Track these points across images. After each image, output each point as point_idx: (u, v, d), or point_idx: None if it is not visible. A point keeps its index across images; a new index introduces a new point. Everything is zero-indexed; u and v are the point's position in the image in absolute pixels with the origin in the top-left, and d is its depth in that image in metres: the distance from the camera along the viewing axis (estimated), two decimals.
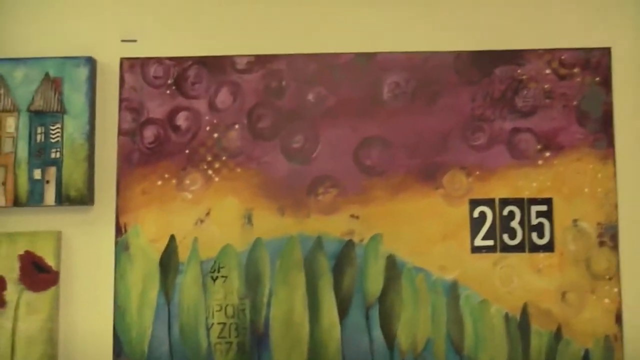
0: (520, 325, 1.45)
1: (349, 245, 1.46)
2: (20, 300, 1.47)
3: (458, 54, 1.50)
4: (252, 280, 1.46)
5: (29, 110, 1.50)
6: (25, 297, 1.47)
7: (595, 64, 1.50)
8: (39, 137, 1.50)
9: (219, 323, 1.45)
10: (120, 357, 1.44)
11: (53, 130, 1.50)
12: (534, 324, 1.44)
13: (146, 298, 1.46)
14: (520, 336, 1.44)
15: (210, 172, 1.48)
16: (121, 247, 1.47)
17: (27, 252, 1.48)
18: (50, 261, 1.47)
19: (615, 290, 1.45)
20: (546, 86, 1.50)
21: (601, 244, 1.46)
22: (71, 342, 1.47)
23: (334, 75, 1.50)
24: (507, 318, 1.45)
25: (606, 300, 1.45)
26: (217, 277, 1.46)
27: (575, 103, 1.49)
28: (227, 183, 1.48)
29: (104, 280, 1.47)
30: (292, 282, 1.45)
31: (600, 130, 1.49)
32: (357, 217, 1.46)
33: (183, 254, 1.47)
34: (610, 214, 1.47)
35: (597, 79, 1.50)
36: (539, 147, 1.48)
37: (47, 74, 1.50)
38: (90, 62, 1.50)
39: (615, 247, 1.46)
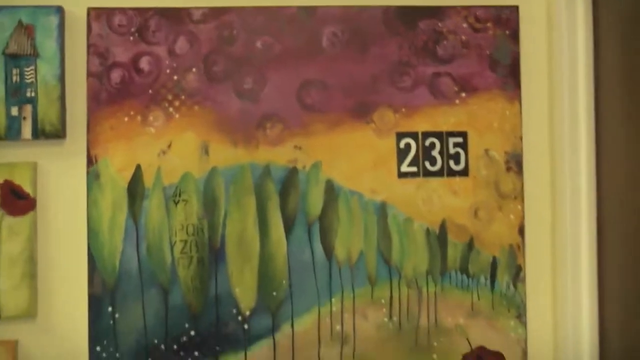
0: (439, 238, 1.70)
1: (293, 172, 1.68)
2: (2, 225, 1.64)
3: (387, 8, 1.71)
4: (209, 203, 1.67)
5: (4, 53, 1.66)
6: (6, 222, 1.64)
7: (505, 20, 1.74)
8: (14, 77, 1.67)
9: (181, 240, 1.66)
10: (94, 272, 1.64)
11: (27, 72, 1.67)
12: (450, 237, 1.70)
13: (116, 221, 1.66)
14: (439, 247, 1.70)
15: (171, 109, 1.67)
16: (92, 177, 1.65)
17: (6, 181, 1.65)
18: (27, 189, 1.65)
19: (519, 207, 1.71)
20: (463, 38, 1.73)
21: (508, 169, 1.72)
22: (50, 261, 1.66)
23: (279, 26, 1.70)
24: (428, 232, 1.70)
25: (511, 216, 1.71)
26: (178, 201, 1.66)
27: (488, 52, 1.73)
28: (186, 119, 1.67)
29: (78, 206, 1.65)
30: (244, 204, 1.67)
31: (508, 75, 1.73)
32: (300, 148, 1.68)
33: (148, 181, 1.66)
34: (515, 145, 1.73)
35: (507, 32, 1.74)
36: (456, 89, 1.72)
37: (20, 21, 1.66)
38: (60, 10, 1.66)
39: (519, 172, 1.72)
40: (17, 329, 1.63)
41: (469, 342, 1.68)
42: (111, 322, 1.63)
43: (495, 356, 1.68)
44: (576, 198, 1.65)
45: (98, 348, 1.63)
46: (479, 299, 1.69)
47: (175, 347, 1.64)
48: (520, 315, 1.69)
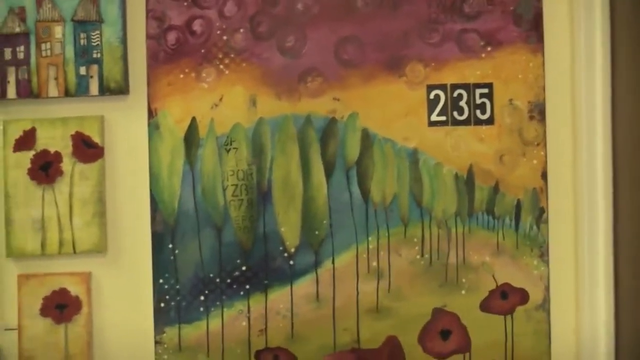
0: (466, 182, 1.84)
1: (332, 121, 1.84)
2: (74, 171, 1.85)
3: None
4: (257, 150, 1.84)
5: (72, 20, 1.86)
6: (77, 168, 1.85)
7: None
8: (82, 41, 1.86)
9: (232, 185, 1.84)
10: (156, 212, 1.84)
11: (93, 35, 1.86)
12: (477, 181, 1.84)
13: (174, 167, 1.85)
14: (466, 190, 1.84)
15: (221, 66, 1.84)
16: (153, 127, 1.85)
17: (77, 132, 1.85)
18: (96, 139, 1.85)
19: (542, 153, 1.83)
20: None
21: (531, 117, 1.85)
22: (117, 203, 1.86)
23: None
24: (456, 177, 1.84)
25: (534, 161, 1.84)
26: (229, 149, 1.84)
27: (511, 8, 1.85)
28: (235, 75, 1.85)
29: (140, 153, 1.84)
30: (288, 151, 1.84)
31: (531, 29, 1.85)
32: (338, 100, 1.84)
33: (202, 131, 1.84)
34: (538, 95, 1.85)
35: None
36: (482, 43, 1.85)
37: None
38: None
39: (542, 120, 1.84)
40: (90, 262, 1.85)
41: (495, 279, 1.83)
42: (172, 257, 1.83)
43: (519, 292, 1.82)
44: (592, 144, 1.77)
45: (161, 280, 1.83)
46: (504, 239, 1.83)
47: (228, 280, 1.83)
48: (543, 254, 1.83)
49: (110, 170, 1.86)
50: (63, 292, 1.83)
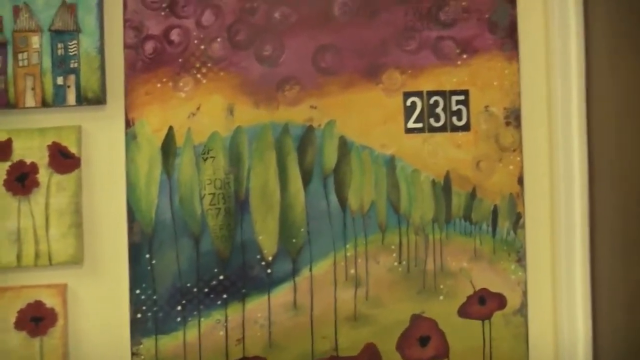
0: (443, 188, 1.85)
1: (309, 129, 1.85)
2: (51, 181, 1.84)
3: None
4: (235, 159, 1.84)
5: (50, 30, 1.86)
6: (54, 179, 1.84)
7: None
8: (59, 51, 1.86)
9: (209, 193, 1.84)
10: (133, 222, 1.83)
11: (71, 45, 1.86)
12: (454, 187, 1.85)
13: (152, 176, 1.84)
14: (443, 196, 1.85)
15: (199, 75, 1.85)
16: (130, 137, 1.84)
17: (54, 143, 1.84)
18: (73, 149, 1.84)
19: (518, 159, 1.85)
20: (463, 3, 1.87)
21: (507, 124, 1.86)
22: (94, 213, 1.85)
23: None
24: (433, 183, 1.85)
25: (511, 167, 1.85)
26: (207, 158, 1.84)
27: (487, 16, 1.87)
28: (213, 84, 1.85)
29: (117, 163, 1.83)
30: (266, 159, 1.84)
31: (507, 36, 1.87)
32: (315, 107, 1.85)
33: (179, 140, 1.84)
34: (514, 101, 1.86)
35: None
36: (458, 51, 1.87)
37: (63, 1, 1.85)
38: None
39: (518, 126, 1.85)
40: (66, 273, 1.83)
41: (472, 284, 1.83)
42: (149, 267, 1.82)
43: (497, 297, 1.83)
44: (569, 149, 1.78)
45: (137, 291, 1.82)
46: (481, 244, 1.84)
47: (206, 289, 1.82)
48: (520, 259, 1.83)
49: (87, 180, 1.85)
50: (38, 304, 1.81)
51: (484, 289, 1.83)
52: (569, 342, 1.78)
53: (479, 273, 1.83)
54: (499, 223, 1.84)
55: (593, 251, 1.77)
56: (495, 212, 1.84)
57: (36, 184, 1.83)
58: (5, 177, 1.83)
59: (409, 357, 1.82)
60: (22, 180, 1.83)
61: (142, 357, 1.81)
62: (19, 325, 1.81)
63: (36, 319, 1.81)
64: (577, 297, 1.78)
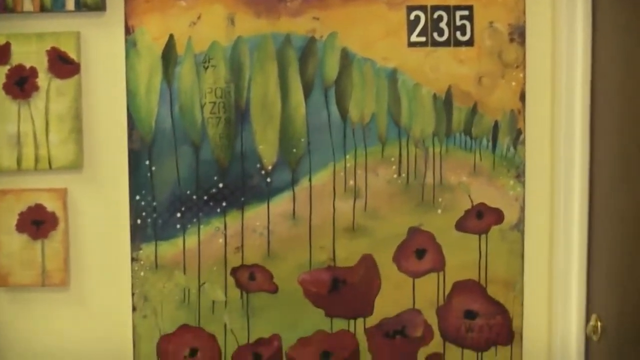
0: (445, 103, 1.84)
1: (311, 40, 1.83)
2: (50, 86, 1.83)
3: None
4: (236, 69, 1.83)
5: None
6: (54, 84, 1.83)
7: None
8: None
9: (210, 102, 1.83)
10: (133, 130, 1.83)
11: None
12: (455, 102, 1.84)
13: (152, 84, 1.83)
14: (444, 111, 1.84)
15: None
16: (130, 44, 1.82)
17: (53, 48, 1.82)
18: (72, 55, 1.82)
19: (521, 75, 1.84)
20: None
21: (511, 40, 1.84)
22: (94, 119, 1.85)
23: None
24: (435, 97, 1.84)
25: (513, 83, 1.84)
26: (207, 67, 1.83)
27: None
28: None
29: (117, 70, 1.82)
30: (267, 70, 1.83)
31: None
32: (318, 19, 1.82)
33: (180, 49, 1.82)
34: (519, 17, 1.84)
35: None
36: None
37: None
38: None
39: (522, 43, 1.83)
40: (66, 178, 1.84)
41: (471, 199, 1.84)
42: (148, 174, 1.83)
43: (495, 212, 1.84)
44: (572, 65, 1.77)
45: (137, 197, 1.83)
46: (481, 160, 1.84)
47: (205, 197, 1.83)
48: (519, 175, 1.84)
49: (87, 86, 1.84)
50: (39, 208, 1.83)
51: (482, 204, 1.84)
52: (564, 257, 1.80)
53: (478, 188, 1.84)
54: (499, 139, 1.84)
55: (592, 168, 1.77)
56: (495, 128, 1.84)
57: (35, 88, 1.82)
58: (4, 80, 1.82)
59: (405, 269, 1.84)
60: (22, 84, 1.82)
61: (142, 262, 1.83)
62: (20, 227, 1.82)
63: (37, 222, 1.82)
64: (575, 213, 1.79)
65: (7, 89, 1.82)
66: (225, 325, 1.85)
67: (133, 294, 1.84)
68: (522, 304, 1.84)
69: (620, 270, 1.64)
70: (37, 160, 1.82)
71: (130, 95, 1.82)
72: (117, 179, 1.84)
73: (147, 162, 1.82)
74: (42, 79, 1.82)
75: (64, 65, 1.83)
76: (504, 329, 1.85)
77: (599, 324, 1.71)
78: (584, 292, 1.80)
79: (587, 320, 1.78)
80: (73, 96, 1.83)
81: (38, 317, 1.87)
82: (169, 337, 1.85)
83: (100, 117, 1.85)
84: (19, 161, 1.82)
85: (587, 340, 1.79)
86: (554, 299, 1.83)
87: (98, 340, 1.87)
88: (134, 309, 1.84)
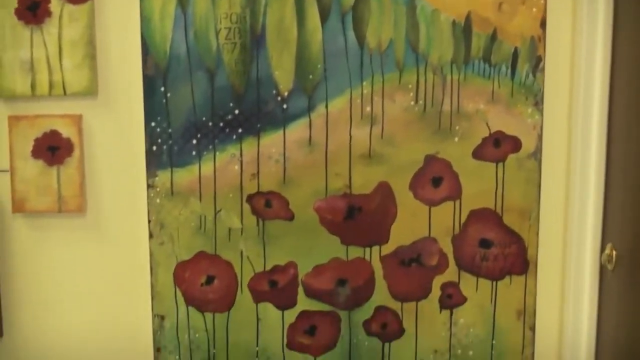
0: (464, 29, 1.81)
1: None
2: (63, 12, 1.80)
3: None
4: None
5: None
6: (67, 9, 1.80)
7: None
8: None
9: (225, 28, 1.81)
10: (147, 55, 1.80)
11: None
12: (474, 28, 1.80)
13: (166, 10, 1.79)
14: (463, 37, 1.81)
15: None
16: None
17: None
18: None
19: (542, 2, 1.78)
20: None
21: None
22: (108, 45, 1.82)
23: None
24: (453, 24, 1.81)
25: (534, 9, 1.80)
26: None
27: None
28: None
29: None
30: None
31: None
32: None
33: None
34: None
35: None
36: None
37: None
38: None
39: None
40: (80, 104, 1.83)
41: (488, 127, 1.82)
42: (164, 100, 1.81)
43: (512, 140, 1.82)
44: None
45: (153, 123, 1.82)
46: (499, 87, 1.81)
47: (221, 124, 1.82)
48: (537, 103, 1.82)
49: (100, 12, 1.82)
50: (54, 134, 1.82)
51: (500, 132, 1.82)
52: (580, 186, 1.79)
53: (496, 115, 1.82)
54: (519, 66, 1.81)
55: (612, 95, 1.75)
56: (515, 55, 1.81)
57: (48, 13, 1.80)
58: (16, 5, 1.79)
59: (421, 197, 1.84)
60: (34, 9, 1.79)
61: (158, 189, 1.83)
62: (36, 153, 1.82)
63: (52, 149, 1.82)
64: (592, 142, 1.77)
65: (20, 14, 1.79)
66: (241, 253, 1.86)
67: (149, 221, 1.85)
68: (537, 233, 1.84)
69: (637, 199, 1.63)
70: (51, 86, 1.81)
71: (145, 20, 1.80)
72: (132, 106, 1.83)
73: (162, 89, 1.81)
74: (55, 5, 1.80)
75: None
76: (519, 258, 1.85)
77: (614, 252, 1.72)
78: (600, 221, 1.79)
79: (602, 249, 1.79)
80: (86, 22, 1.80)
81: (55, 243, 1.88)
82: (186, 264, 1.87)
83: (114, 43, 1.83)
84: (33, 87, 1.81)
85: (602, 269, 1.79)
86: (570, 228, 1.83)
87: (115, 267, 1.89)
88: (150, 236, 1.85)
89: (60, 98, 1.82)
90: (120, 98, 1.83)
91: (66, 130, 1.82)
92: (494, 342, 1.88)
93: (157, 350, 1.90)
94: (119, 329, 1.92)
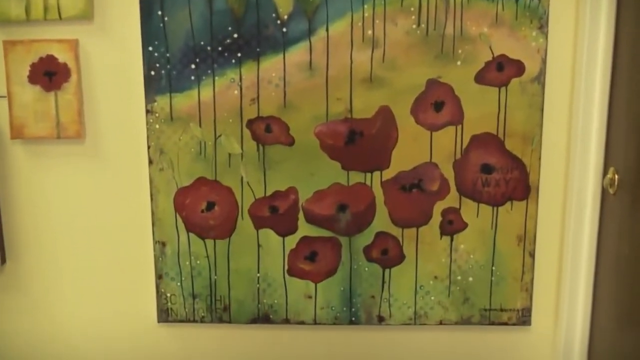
0: None
1: None
2: None
3: None
4: None
5: None
6: None
7: None
8: None
9: None
10: None
11: None
12: None
13: None
14: None
15: None
16: None
17: None
18: None
19: None
20: None
21: None
22: None
23: None
24: None
25: None
26: None
27: None
28: None
29: None
30: None
31: None
32: None
33: None
34: None
35: None
36: None
37: None
38: None
39: None
40: (76, 29, 1.80)
41: (491, 50, 1.79)
42: (161, 24, 1.78)
43: (515, 64, 1.79)
44: None
45: (150, 48, 1.79)
46: (503, 10, 1.77)
47: (220, 48, 1.79)
48: (542, 26, 1.78)
49: None
50: (50, 59, 1.79)
51: (503, 55, 1.79)
52: (584, 110, 1.77)
53: (499, 39, 1.78)
54: None
55: (619, 18, 1.71)
56: None
57: None
58: None
59: (422, 122, 1.82)
60: None
61: (157, 114, 1.82)
62: (33, 78, 1.80)
63: (49, 74, 1.80)
64: (597, 65, 1.74)
65: None
66: (241, 178, 1.85)
67: (149, 147, 1.84)
68: (539, 158, 1.83)
69: (639, 123, 1.61)
70: (46, 9, 1.77)
71: None
72: (128, 30, 1.79)
73: (160, 12, 1.77)
74: None
75: None
76: (521, 184, 1.84)
77: (616, 176, 1.71)
78: (603, 145, 1.78)
79: (605, 173, 1.78)
80: None
81: (54, 169, 1.88)
82: (186, 190, 1.86)
83: None
84: (27, 11, 1.77)
85: (603, 192, 1.79)
86: (572, 152, 1.82)
87: (115, 194, 1.89)
88: (150, 162, 1.84)
89: (55, 22, 1.78)
90: (116, 22, 1.80)
91: (62, 56, 1.79)
92: (493, 268, 1.89)
93: (159, 277, 1.92)
94: (120, 256, 1.93)
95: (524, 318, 1.91)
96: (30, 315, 1.97)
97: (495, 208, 1.87)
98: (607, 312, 1.78)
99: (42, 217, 1.91)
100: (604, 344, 1.81)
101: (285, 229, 1.88)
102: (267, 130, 1.82)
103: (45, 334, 1.98)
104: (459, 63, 1.80)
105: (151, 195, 1.86)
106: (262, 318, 1.93)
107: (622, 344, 1.69)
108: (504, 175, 1.84)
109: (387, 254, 1.89)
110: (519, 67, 1.79)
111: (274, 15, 1.77)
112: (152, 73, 1.80)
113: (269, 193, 1.86)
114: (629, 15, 1.68)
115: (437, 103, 1.81)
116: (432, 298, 1.91)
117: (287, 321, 1.93)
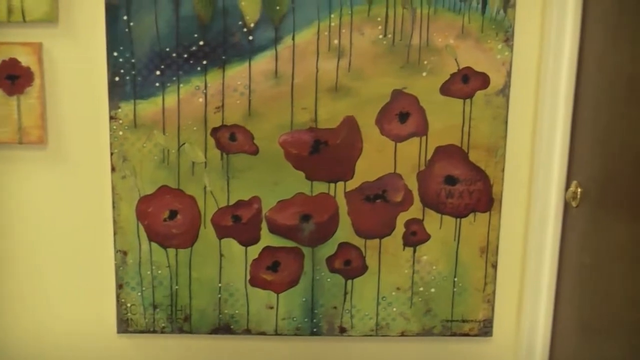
0: None
1: None
2: None
3: None
4: None
5: None
6: None
7: None
8: None
9: None
10: None
11: None
12: None
13: None
14: None
15: None
16: None
17: None
18: None
19: None
20: None
21: None
22: None
23: None
24: None
25: None
26: None
27: None
28: None
29: None
30: None
31: None
32: None
33: None
34: None
35: None
36: None
37: None
38: None
39: None
40: (40, 32, 1.78)
41: (457, 62, 1.80)
42: (126, 29, 1.77)
43: (481, 76, 1.81)
44: None
45: (115, 53, 1.77)
46: (469, 22, 1.79)
47: (185, 55, 1.78)
48: (508, 39, 1.79)
49: None
50: (13, 62, 1.77)
51: (468, 68, 1.80)
52: (548, 123, 1.78)
53: (465, 51, 1.79)
54: (489, 1, 1.78)
55: (583, 34, 1.73)
56: None
57: None
58: None
59: (387, 132, 1.82)
60: None
61: (120, 121, 1.80)
62: None
63: (12, 77, 1.78)
64: (562, 79, 1.76)
65: None
66: (205, 187, 1.84)
67: (112, 154, 1.82)
68: (503, 170, 1.84)
69: (603, 137, 1.63)
70: (10, 11, 1.75)
71: None
72: (93, 34, 1.78)
73: (125, 17, 1.76)
74: None
75: None
76: (484, 195, 1.85)
77: (578, 190, 1.72)
78: (566, 158, 1.79)
79: (567, 186, 1.79)
80: None
81: (16, 175, 1.85)
82: (149, 198, 1.84)
83: None
84: None
85: (566, 205, 1.80)
86: (536, 165, 1.83)
87: (77, 201, 1.86)
88: (112, 169, 1.82)
89: (19, 25, 1.76)
90: (81, 26, 1.78)
91: (26, 59, 1.77)
92: (455, 279, 1.89)
93: (120, 286, 1.89)
94: (81, 265, 1.90)
95: (485, 329, 1.91)
96: None
97: (458, 219, 1.87)
98: (568, 322, 1.79)
99: (0, 224, 1.87)
100: (565, 354, 1.81)
101: (248, 239, 1.86)
102: (231, 139, 1.81)
103: None
104: (424, 74, 1.80)
105: (113, 203, 1.84)
106: (223, 328, 1.90)
107: (583, 354, 1.69)
108: (468, 187, 1.85)
109: (350, 265, 1.88)
110: (484, 80, 1.81)
111: (240, 22, 1.77)
112: (117, 79, 1.78)
113: (232, 202, 1.85)
114: (594, 29, 1.70)
115: (402, 114, 1.82)
116: (394, 309, 1.90)
117: (248, 331, 1.91)
